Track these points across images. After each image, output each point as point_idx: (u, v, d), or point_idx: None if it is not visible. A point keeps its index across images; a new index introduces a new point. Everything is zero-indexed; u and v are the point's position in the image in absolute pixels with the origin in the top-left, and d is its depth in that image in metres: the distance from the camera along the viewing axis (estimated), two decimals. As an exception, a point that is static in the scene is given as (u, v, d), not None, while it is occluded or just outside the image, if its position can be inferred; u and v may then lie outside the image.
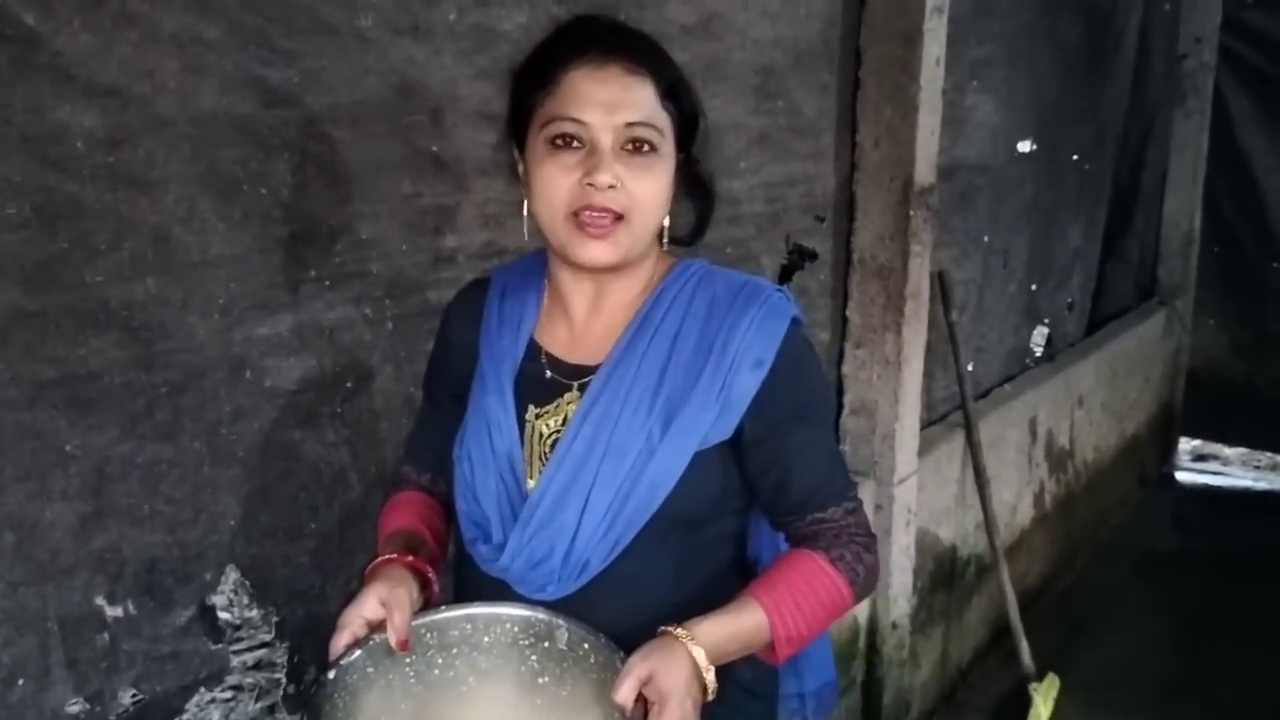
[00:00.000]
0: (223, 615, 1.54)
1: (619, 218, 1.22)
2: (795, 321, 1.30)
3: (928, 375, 3.11)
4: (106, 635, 1.40)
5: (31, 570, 1.32)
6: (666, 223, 1.29)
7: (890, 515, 3.02)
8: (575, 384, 1.30)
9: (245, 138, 1.49)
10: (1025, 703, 3.31)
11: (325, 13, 1.56)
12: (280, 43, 1.52)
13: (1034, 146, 3.92)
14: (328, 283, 1.62)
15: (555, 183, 1.22)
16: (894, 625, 3.13)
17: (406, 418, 1.75)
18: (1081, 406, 4.51)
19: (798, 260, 2.79)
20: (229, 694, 1.57)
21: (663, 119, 1.24)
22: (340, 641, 1.17)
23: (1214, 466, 5.80)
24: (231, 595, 1.53)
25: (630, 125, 1.21)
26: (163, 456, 1.44)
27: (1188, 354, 5.68)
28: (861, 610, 3.07)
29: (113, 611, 1.40)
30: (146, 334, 1.40)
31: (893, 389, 2.95)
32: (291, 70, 1.53)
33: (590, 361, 1.31)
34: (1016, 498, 4.01)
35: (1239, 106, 5.45)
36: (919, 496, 3.15)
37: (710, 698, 1.16)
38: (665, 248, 1.34)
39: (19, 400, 1.29)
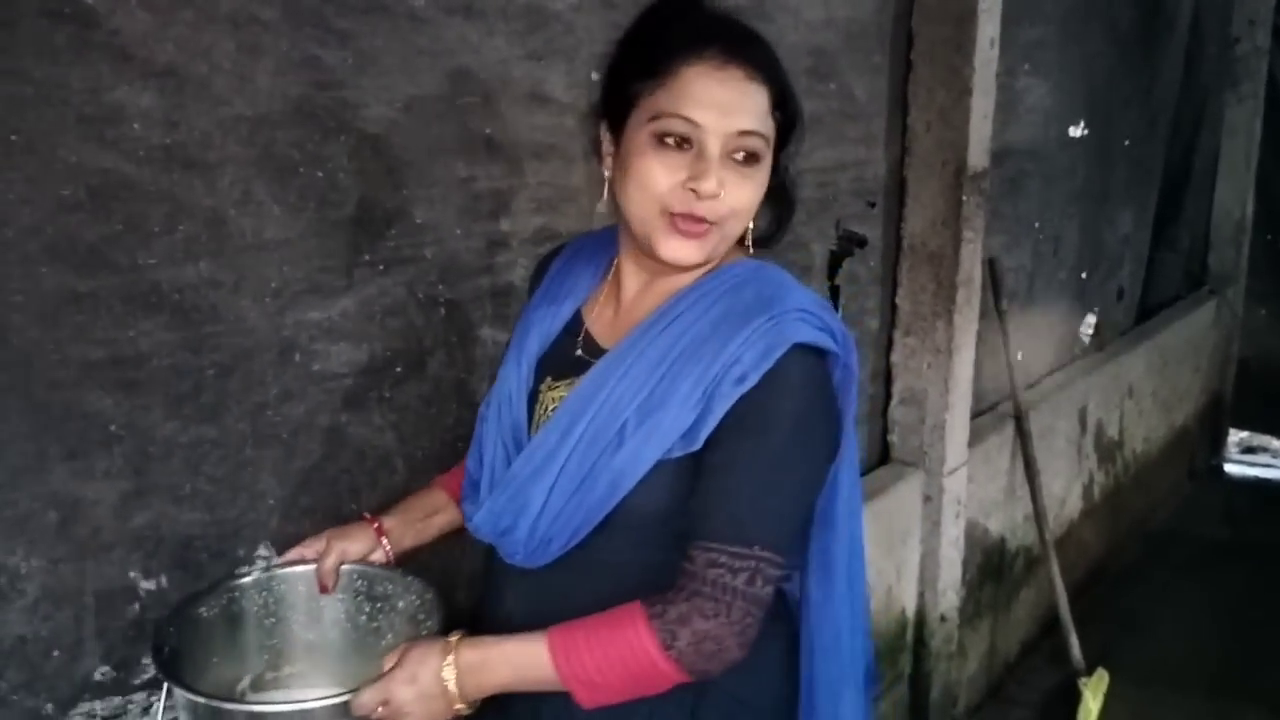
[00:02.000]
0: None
1: (713, 223, 1.19)
2: (803, 348, 1.18)
3: (977, 364, 3.06)
4: (137, 606, 1.39)
5: (72, 547, 1.32)
6: (750, 226, 1.26)
7: (940, 507, 2.97)
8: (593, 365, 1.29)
9: (300, 119, 1.47)
10: (1074, 698, 3.26)
11: (378, -8, 1.54)
12: (335, 22, 1.49)
13: (1085, 131, 3.84)
14: (381, 267, 1.60)
15: (657, 180, 1.18)
16: (942, 618, 3.08)
17: (457, 403, 1.74)
18: (1131, 397, 4.43)
19: (847, 246, 2.74)
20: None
21: (770, 128, 1.20)
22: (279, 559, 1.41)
23: (1264, 459, 5.70)
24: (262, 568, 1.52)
25: (743, 134, 1.17)
26: (206, 437, 1.43)
27: (1238, 344, 5.58)
28: (909, 603, 3.03)
29: (146, 585, 1.40)
30: (197, 316, 1.39)
31: (943, 378, 2.90)
32: (346, 51, 1.51)
33: (609, 343, 1.30)
34: (1066, 489, 3.95)
35: (1293, 91, 5.34)
36: (968, 487, 3.10)
37: (462, 714, 1.17)
38: (749, 250, 1.30)
39: (67, 380, 1.28)
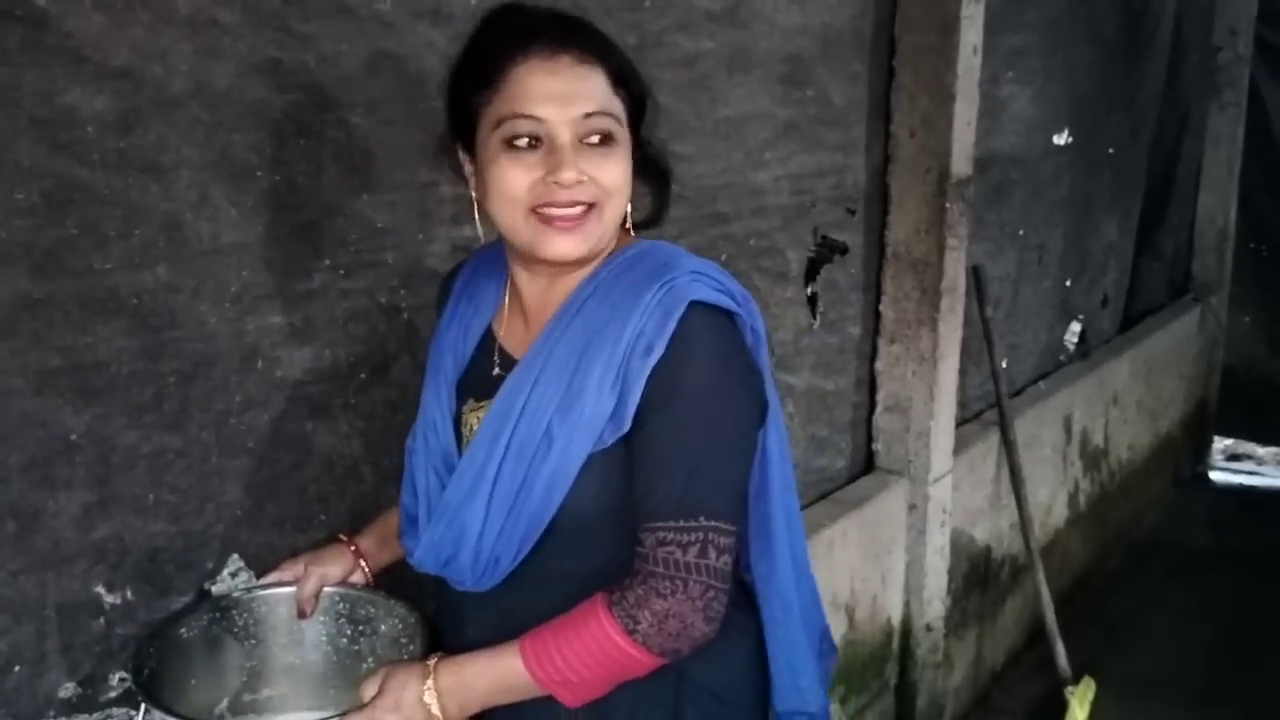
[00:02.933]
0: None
1: (590, 207, 1.17)
2: (698, 305, 1.17)
3: (961, 372, 3.05)
4: (102, 620, 1.37)
5: (32, 559, 1.30)
6: (628, 209, 1.24)
7: (925, 515, 2.96)
8: (505, 374, 1.26)
9: (259, 122, 1.45)
10: (1061, 706, 3.24)
11: (343, -5, 1.52)
12: (297, 26, 1.48)
13: (1069, 139, 3.84)
14: (342, 272, 1.58)
15: (516, 183, 1.16)
16: (928, 627, 3.06)
17: (424, 410, 1.72)
18: (1116, 404, 4.42)
19: (826, 253, 2.73)
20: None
21: (617, 106, 1.19)
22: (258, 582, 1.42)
23: (1248, 466, 5.70)
24: (230, 581, 1.50)
25: (589, 116, 1.16)
26: (170, 446, 1.40)
27: (1222, 352, 5.58)
28: (895, 612, 3.01)
29: (110, 599, 1.38)
30: (156, 322, 1.37)
31: (928, 386, 2.89)
32: (308, 54, 1.50)
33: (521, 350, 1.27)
34: (1051, 497, 3.94)
35: (1275, 100, 5.37)
36: (953, 496, 3.08)
37: None
38: (632, 235, 1.29)
39: (25, 388, 1.26)
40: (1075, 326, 4.23)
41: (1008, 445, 3.42)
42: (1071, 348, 4.23)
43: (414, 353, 1.69)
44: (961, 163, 2.84)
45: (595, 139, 1.17)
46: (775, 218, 2.49)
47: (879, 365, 2.96)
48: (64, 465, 1.31)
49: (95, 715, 1.38)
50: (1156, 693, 3.52)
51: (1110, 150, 4.23)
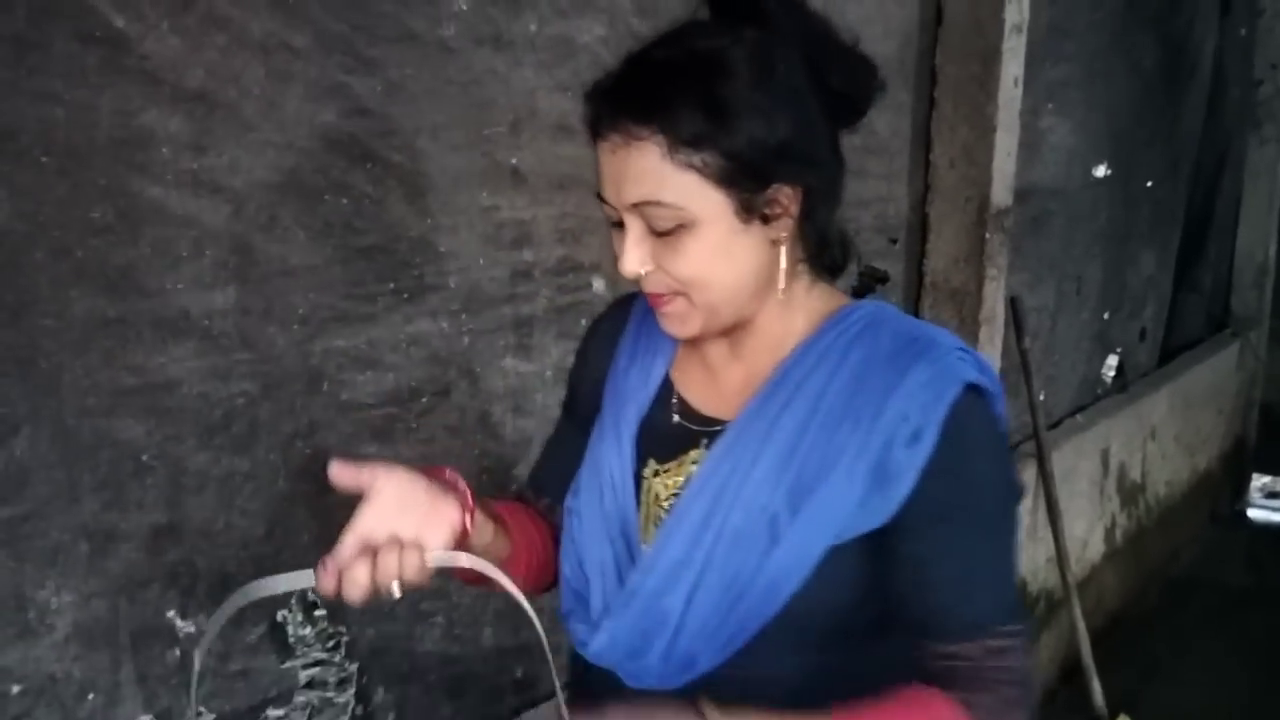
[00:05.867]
0: (295, 623, 1.50)
1: (678, 292, 1.02)
2: (973, 389, 1.01)
3: (999, 404, 3.02)
4: (177, 651, 1.36)
5: (106, 582, 1.29)
6: (783, 262, 1.03)
7: (962, 547, 2.93)
8: (704, 440, 1.09)
9: (327, 146, 1.47)
10: (1098, 744, 3.20)
11: (409, 21, 1.54)
12: (365, 51, 1.49)
13: (1109, 171, 3.83)
14: (406, 295, 1.59)
15: (618, 260, 1.04)
16: (964, 661, 3.03)
17: (482, 434, 1.72)
18: (1154, 439, 4.38)
19: (869, 283, 2.72)
20: (298, 714, 1.53)
21: (683, 180, 0.96)
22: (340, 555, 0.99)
23: (1287, 504, 5.62)
24: (302, 613, 1.50)
25: (636, 206, 0.98)
26: (239, 469, 1.41)
27: (1261, 388, 5.52)
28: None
29: (184, 626, 1.37)
30: (226, 343, 1.38)
31: (967, 416, 2.86)
32: (374, 79, 1.51)
33: (724, 415, 1.09)
34: (1088, 531, 3.90)
35: (1315, 134, 5.32)
36: (991, 528, 3.05)
37: None
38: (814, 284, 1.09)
39: (97, 408, 1.27)
40: (1113, 360, 4.21)
41: (1045, 478, 3.40)
42: (1109, 381, 4.20)
43: (473, 378, 1.70)
44: (1001, 193, 2.83)
45: (660, 227, 0.99)
46: (822, 247, 2.48)
47: (919, 396, 2.93)
48: (135, 486, 1.31)
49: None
50: (1194, 731, 3.46)
51: (1149, 183, 4.22)
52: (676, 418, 1.12)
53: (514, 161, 1.72)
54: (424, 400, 1.63)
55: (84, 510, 1.27)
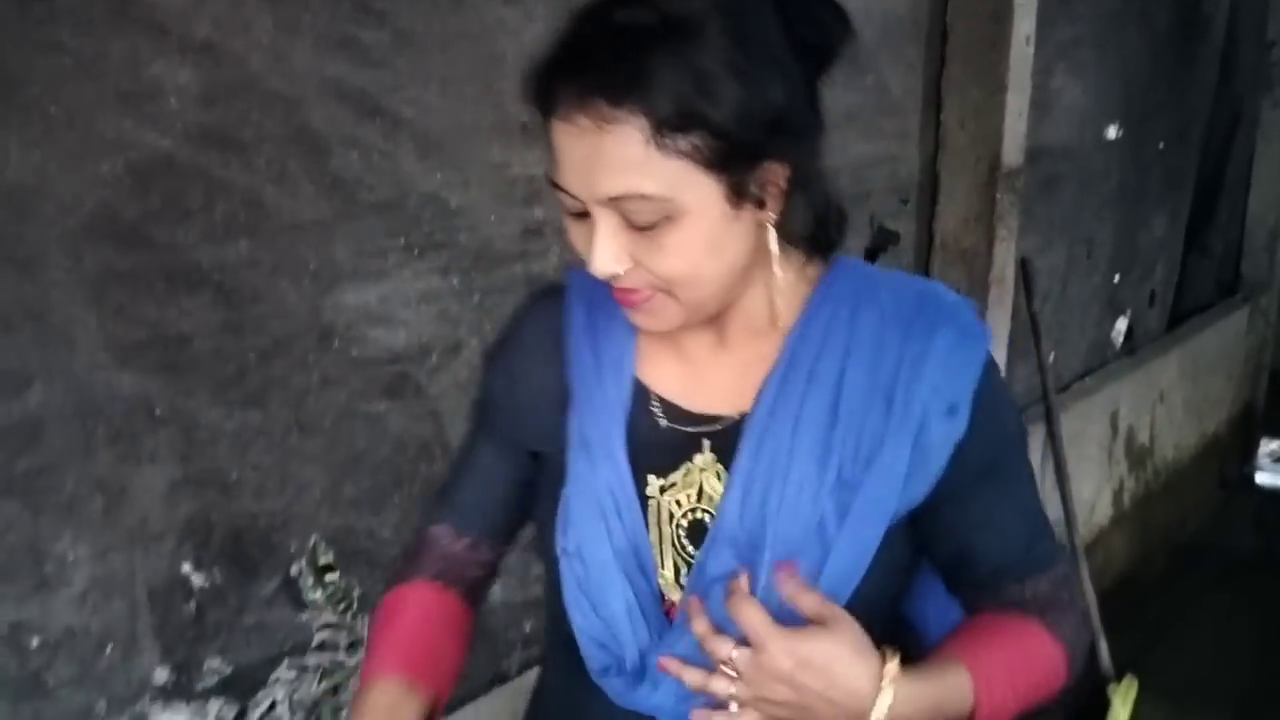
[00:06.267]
0: (306, 587, 1.51)
1: (659, 288, 0.90)
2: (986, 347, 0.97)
3: (1007, 366, 3.02)
4: (193, 604, 1.37)
5: (120, 536, 1.30)
6: (774, 246, 0.92)
7: (971, 508, 2.93)
8: (706, 442, 0.98)
9: (336, 99, 1.45)
10: (1103, 704, 3.21)
11: (419, -28, 1.52)
12: (373, 3, 1.48)
13: (1120, 133, 3.80)
14: (416, 252, 1.58)
15: (581, 250, 0.91)
16: (972, 621, 3.04)
17: (492, 392, 1.71)
18: (1163, 402, 4.37)
19: (881, 242, 2.71)
20: (309, 675, 1.54)
21: (670, 169, 0.83)
22: None
23: (1295, 469, 5.62)
24: (315, 567, 1.50)
25: (614, 200, 0.84)
26: (251, 423, 1.41)
27: (1270, 352, 5.51)
28: (939, 605, 2.98)
29: (199, 579, 1.38)
30: (237, 298, 1.37)
31: (976, 378, 2.86)
32: (383, 31, 1.49)
33: (724, 410, 0.98)
34: (1095, 495, 3.90)
35: (1329, 97, 5.27)
36: (999, 490, 3.05)
37: None
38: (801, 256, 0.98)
39: (110, 361, 1.27)
40: (1122, 323, 4.19)
41: (1053, 440, 3.39)
42: (1118, 344, 4.19)
43: (483, 336, 1.69)
44: (1012, 153, 2.81)
45: (633, 225, 0.86)
46: (833, 206, 2.47)
47: (928, 357, 2.93)
48: (149, 440, 1.31)
49: (192, 704, 1.38)
50: (1199, 694, 3.47)
51: (1161, 145, 4.18)
52: (664, 421, 0.99)
53: (525, 117, 1.70)
54: (434, 357, 1.62)
55: (98, 463, 1.27)
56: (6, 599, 1.22)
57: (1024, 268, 3.26)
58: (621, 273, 0.87)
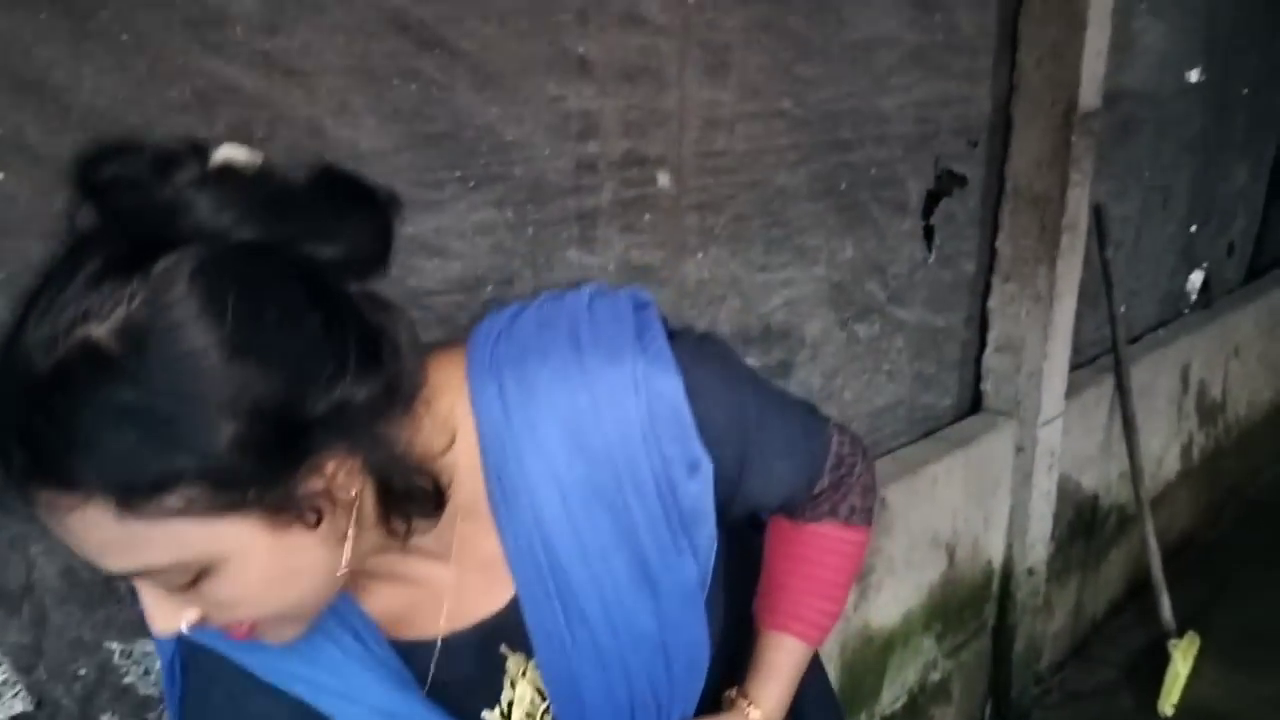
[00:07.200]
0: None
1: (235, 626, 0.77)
2: (676, 351, 0.87)
3: (1077, 315, 2.97)
4: None
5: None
6: (347, 555, 0.76)
7: (1032, 458, 2.91)
8: (502, 646, 0.92)
9: (396, 31, 1.47)
10: (1162, 660, 3.19)
11: (478, -97, 1.52)
12: (434, -66, 1.48)
13: (1203, 77, 3.67)
14: (472, 184, 1.60)
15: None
16: (1030, 571, 3.03)
17: (546, 325, 1.74)
18: (1237, 357, 4.27)
19: (946, 186, 2.67)
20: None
21: (165, 534, 0.67)
22: None
23: (1374, 429, 5.45)
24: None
25: (130, 576, 0.70)
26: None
27: (1355, 309, 5.32)
28: (996, 554, 2.98)
29: None
30: (298, 225, 1.40)
31: (1042, 326, 2.82)
32: (444, -38, 1.50)
33: (490, 609, 0.91)
34: (1163, 449, 3.84)
35: None
36: (1063, 441, 3.02)
37: None
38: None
39: (176, 285, 1.31)
40: (1198, 275, 4.08)
41: (1122, 392, 3.34)
42: (1193, 296, 4.09)
43: (536, 269, 1.71)
44: (1090, 95, 2.73)
45: (175, 585, 0.71)
46: (897, 147, 2.44)
47: (992, 303, 2.89)
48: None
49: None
50: (1262, 652, 3.42)
51: (1245, 91, 4.03)
52: (432, 669, 0.90)
53: (581, 50, 1.70)
54: (488, 289, 1.65)
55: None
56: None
57: (1098, 214, 3.19)
58: (186, 629, 0.74)
